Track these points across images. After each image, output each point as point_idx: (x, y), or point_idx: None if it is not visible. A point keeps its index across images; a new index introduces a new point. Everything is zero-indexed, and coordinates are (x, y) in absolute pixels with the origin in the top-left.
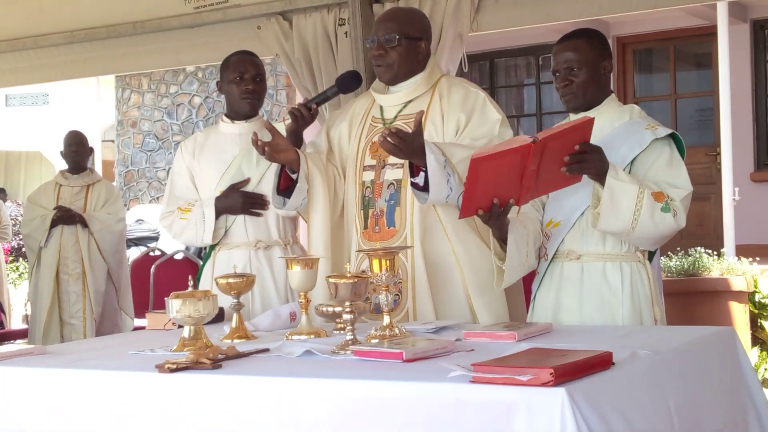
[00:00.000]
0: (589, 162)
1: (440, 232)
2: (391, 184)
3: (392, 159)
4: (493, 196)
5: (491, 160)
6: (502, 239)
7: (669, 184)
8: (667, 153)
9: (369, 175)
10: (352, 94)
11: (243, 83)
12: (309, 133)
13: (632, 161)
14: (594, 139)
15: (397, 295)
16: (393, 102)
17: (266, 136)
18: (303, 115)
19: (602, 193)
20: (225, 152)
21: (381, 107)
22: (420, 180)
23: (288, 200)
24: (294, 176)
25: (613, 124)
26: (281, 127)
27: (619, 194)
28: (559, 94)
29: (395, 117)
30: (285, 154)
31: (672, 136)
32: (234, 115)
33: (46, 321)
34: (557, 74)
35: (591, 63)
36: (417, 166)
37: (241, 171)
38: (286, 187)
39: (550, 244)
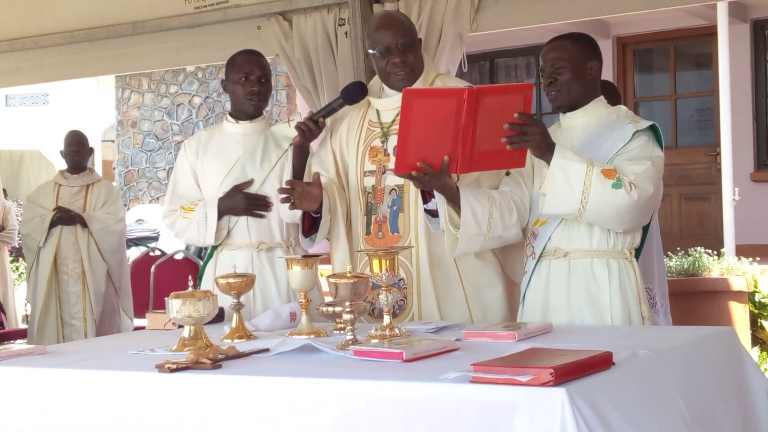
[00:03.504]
0: (528, 135)
1: (444, 235)
2: (393, 189)
3: (392, 164)
4: (427, 152)
5: (424, 96)
6: (456, 204)
7: (630, 161)
8: (644, 140)
9: (370, 181)
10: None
11: (248, 84)
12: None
13: (616, 154)
14: (580, 138)
15: (402, 299)
16: (390, 106)
17: (271, 140)
18: (310, 129)
19: (547, 173)
20: (229, 152)
21: (378, 111)
22: (433, 206)
23: (316, 236)
24: (316, 216)
25: (600, 123)
26: (285, 129)
27: (566, 173)
28: (545, 93)
29: (393, 121)
30: (312, 203)
31: (652, 127)
32: (238, 114)
33: (41, 321)
34: (543, 73)
35: (576, 62)
36: (428, 192)
37: (244, 172)
38: (310, 224)
39: (537, 242)
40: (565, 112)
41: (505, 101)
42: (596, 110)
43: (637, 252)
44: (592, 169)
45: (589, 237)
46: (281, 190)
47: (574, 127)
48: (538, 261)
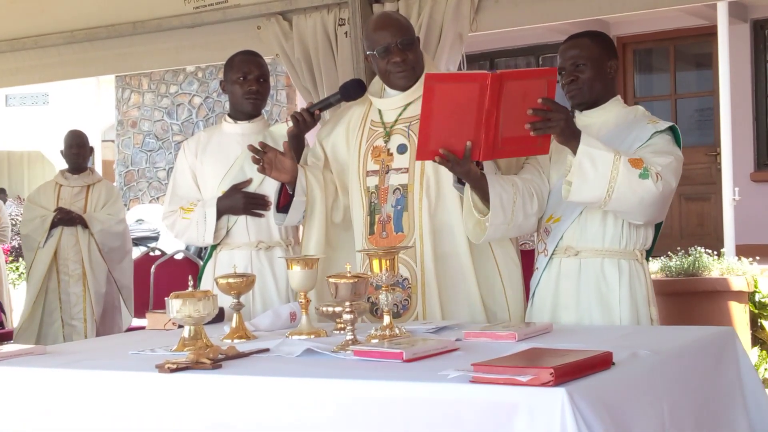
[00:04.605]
0: (552, 121)
1: (449, 234)
2: (397, 189)
3: (396, 164)
4: (449, 137)
5: (446, 81)
6: (480, 190)
7: (654, 154)
8: (665, 139)
9: (373, 181)
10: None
11: (246, 83)
12: (310, 136)
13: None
14: (597, 136)
15: (406, 299)
16: (392, 105)
17: (269, 140)
18: (305, 120)
19: (573, 160)
20: (227, 152)
21: (380, 111)
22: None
23: (287, 215)
24: (292, 193)
25: (617, 122)
26: (283, 129)
27: (593, 161)
28: (564, 91)
29: (396, 120)
30: (283, 174)
31: (671, 128)
32: (237, 115)
33: (27, 319)
34: (563, 71)
35: (596, 60)
36: None
37: (243, 171)
38: (285, 203)
39: (549, 239)
40: (582, 110)
41: (529, 86)
42: (614, 109)
43: (648, 253)
44: (619, 158)
45: (601, 236)
46: (251, 148)
47: (591, 125)
48: (550, 258)
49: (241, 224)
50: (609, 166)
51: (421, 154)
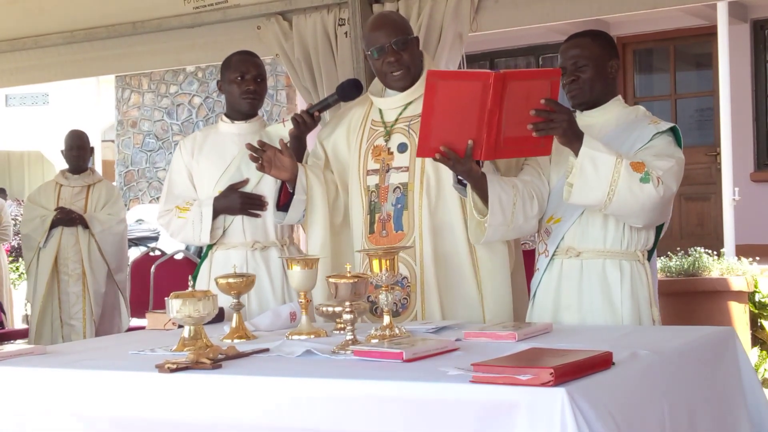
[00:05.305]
0: (555, 122)
1: (449, 233)
2: (397, 187)
3: (396, 162)
4: (451, 135)
5: (449, 78)
6: (480, 190)
7: (656, 157)
8: (666, 140)
9: (373, 180)
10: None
11: (244, 83)
12: (310, 139)
13: (635, 153)
14: (598, 136)
15: (405, 298)
16: (392, 105)
17: (266, 140)
18: (305, 121)
19: (575, 162)
20: (224, 152)
21: (380, 110)
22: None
23: (287, 214)
24: (293, 191)
25: (618, 122)
26: (279, 129)
27: (594, 164)
28: (564, 91)
29: (396, 120)
30: (282, 172)
31: (672, 129)
32: (234, 114)
33: (39, 322)
34: (564, 71)
35: (597, 60)
36: None
37: (239, 171)
38: (285, 201)
39: (550, 240)
40: (583, 110)
41: (532, 87)
42: (614, 109)
43: (649, 254)
44: (621, 161)
45: (603, 237)
46: (249, 146)
47: (592, 125)
48: (551, 259)
49: (237, 224)
50: (610, 169)
51: (422, 151)
